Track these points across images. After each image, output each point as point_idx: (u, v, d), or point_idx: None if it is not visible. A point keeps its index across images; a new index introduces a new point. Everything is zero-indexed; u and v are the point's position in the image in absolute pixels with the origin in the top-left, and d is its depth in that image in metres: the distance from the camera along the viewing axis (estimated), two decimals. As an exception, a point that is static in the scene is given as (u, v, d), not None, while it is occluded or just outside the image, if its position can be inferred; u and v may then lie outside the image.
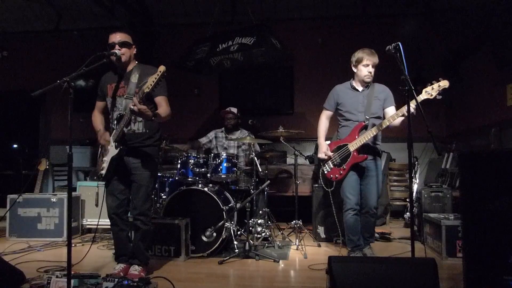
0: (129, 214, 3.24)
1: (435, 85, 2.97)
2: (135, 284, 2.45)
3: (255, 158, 4.11)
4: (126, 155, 3.02)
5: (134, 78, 3.00)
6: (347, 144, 3.41)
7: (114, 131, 3.00)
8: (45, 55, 7.30)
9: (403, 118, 3.14)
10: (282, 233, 4.54)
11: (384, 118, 3.44)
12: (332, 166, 3.47)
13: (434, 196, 4.29)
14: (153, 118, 2.85)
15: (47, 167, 4.96)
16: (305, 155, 5.51)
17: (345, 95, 3.54)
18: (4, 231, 4.54)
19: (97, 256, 3.78)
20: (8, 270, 2.75)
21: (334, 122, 3.76)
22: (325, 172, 3.51)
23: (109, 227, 3.26)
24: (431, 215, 3.97)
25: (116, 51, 2.95)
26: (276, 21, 6.50)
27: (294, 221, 4.28)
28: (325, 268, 2.23)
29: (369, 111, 3.41)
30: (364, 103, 3.44)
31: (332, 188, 3.53)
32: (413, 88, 2.60)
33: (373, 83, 3.49)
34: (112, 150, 2.97)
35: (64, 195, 4.58)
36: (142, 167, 3.04)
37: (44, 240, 4.40)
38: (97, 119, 3.24)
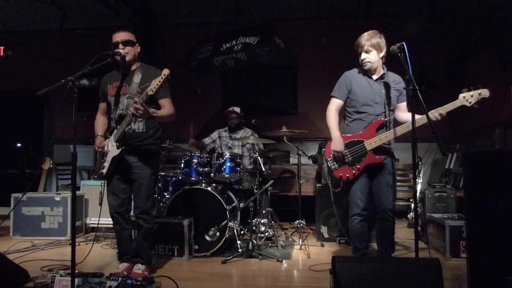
0: (131, 213, 3.25)
1: (475, 93, 2.67)
2: (138, 283, 2.46)
3: (259, 158, 4.11)
4: (126, 154, 3.02)
5: (137, 78, 3.00)
6: (363, 142, 2.94)
7: (116, 131, 3.00)
8: (49, 54, 7.33)
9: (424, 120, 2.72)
10: (285, 233, 4.53)
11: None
12: (340, 164, 3.00)
13: (438, 196, 4.28)
14: (153, 115, 2.85)
15: (51, 166, 4.98)
16: (309, 155, 5.52)
17: (359, 83, 3.05)
18: (8, 229, 4.56)
19: (101, 255, 3.79)
20: (12, 268, 2.76)
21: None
22: (332, 169, 3.02)
23: (112, 226, 3.27)
24: (435, 215, 3.96)
25: (121, 50, 2.95)
26: (280, 21, 6.49)
27: (297, 221, 4.27)
28: (329, 268, 2.22)
29: (389, 103, 2.95)
30: (381, 93, 2.98)
31: (339, 189, 3.13)
32: (417, 88, 2.58)
33: (387, 71, 3.04)
34: (114, 150, 2.98)
35: (67, 194, 4.60)
36: (142, 166, 3.05)
37: (47, 239, 4.41)
38: (99, 123, 3.26)
